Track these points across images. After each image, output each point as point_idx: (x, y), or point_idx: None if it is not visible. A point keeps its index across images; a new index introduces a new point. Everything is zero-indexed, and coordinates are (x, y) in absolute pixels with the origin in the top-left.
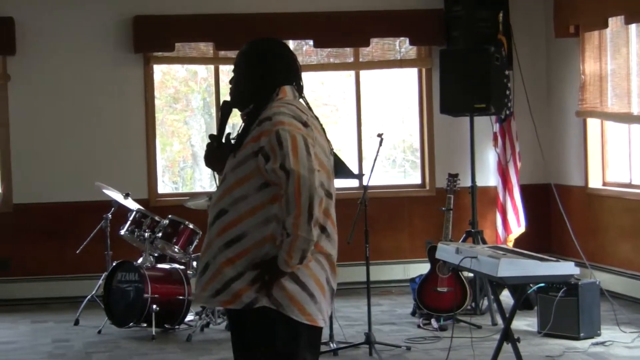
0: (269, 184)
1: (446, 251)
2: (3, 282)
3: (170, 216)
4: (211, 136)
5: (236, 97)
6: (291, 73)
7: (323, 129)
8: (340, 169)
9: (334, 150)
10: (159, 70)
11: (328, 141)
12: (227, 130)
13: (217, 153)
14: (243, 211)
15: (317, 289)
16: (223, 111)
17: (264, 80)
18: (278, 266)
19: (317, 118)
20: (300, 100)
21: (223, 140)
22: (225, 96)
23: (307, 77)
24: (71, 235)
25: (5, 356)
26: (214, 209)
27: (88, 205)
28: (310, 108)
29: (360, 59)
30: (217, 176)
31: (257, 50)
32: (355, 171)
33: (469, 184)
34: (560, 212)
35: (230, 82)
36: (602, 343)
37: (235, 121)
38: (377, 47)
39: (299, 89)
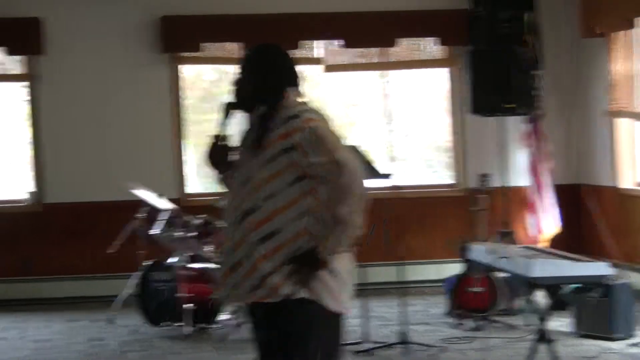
0: (302, 178)
1: (479, 251)
2: (36, 282)
3: (202, 216)
4: (216, 136)
5: (242, 99)
6: (293, 77)
7: None
8: (369, 169)
9: (362, 150)
10: (190, 70)
11: None
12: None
13: (222, 153)
14: (276, 207)
15: (349, 280)
16: (226, 111)
17: (271, 83)
18: (315, 258)
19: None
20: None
21: (223, 140)
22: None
23: (336, 77)
24: (104, 235)
25: (41, 355)
26: (243, 206)
27: (121, 205)
28: None
29: (389, 59)
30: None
31: (263, 55)
32: (384, 171)
33: (500, 184)
34: (591, 213)
35: (235, 84)
36: (638, 344)
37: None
38: (405, 47)
39: (300, 94)
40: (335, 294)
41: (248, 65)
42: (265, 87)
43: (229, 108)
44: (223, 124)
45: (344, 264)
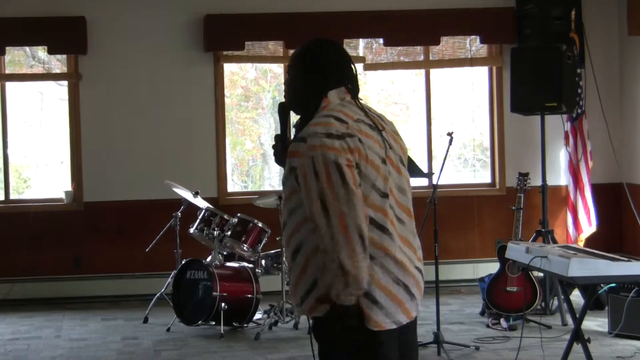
0: None
1: (516, 250)
2: (74, 280)
3: (239, 215)
4: (276, 137)
5: (291, 100)
6: (344, 75)
7: (392, 128)
8: (410, 168)
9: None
10: (230, 69)
11: (399, 139)
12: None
13: (282, 154)
14: (297, 222)
15: (383, 295)
16: (280, 112)
17: (314, 85)
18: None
19: (379, 116)
20: (352, 101)
21: (286, 141)
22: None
23: (377, 76)
24: (141, 233)
25: (76, 353)
26: (282, 219)
27: (158, 204)
28: (362, 108)
29: (431, 58)
30: None
31: (308, 53)
32: (425, 170)
33: (539, 183)
34: (632, 212)
35: (285, 84)
36: None
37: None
38: (447, 45)
39: (354, 91)
40: (366, 312)
41: (295, 64)
42: (303, 89)
43: (283, 109)
44: (282, 124)
45: (380, 282)
